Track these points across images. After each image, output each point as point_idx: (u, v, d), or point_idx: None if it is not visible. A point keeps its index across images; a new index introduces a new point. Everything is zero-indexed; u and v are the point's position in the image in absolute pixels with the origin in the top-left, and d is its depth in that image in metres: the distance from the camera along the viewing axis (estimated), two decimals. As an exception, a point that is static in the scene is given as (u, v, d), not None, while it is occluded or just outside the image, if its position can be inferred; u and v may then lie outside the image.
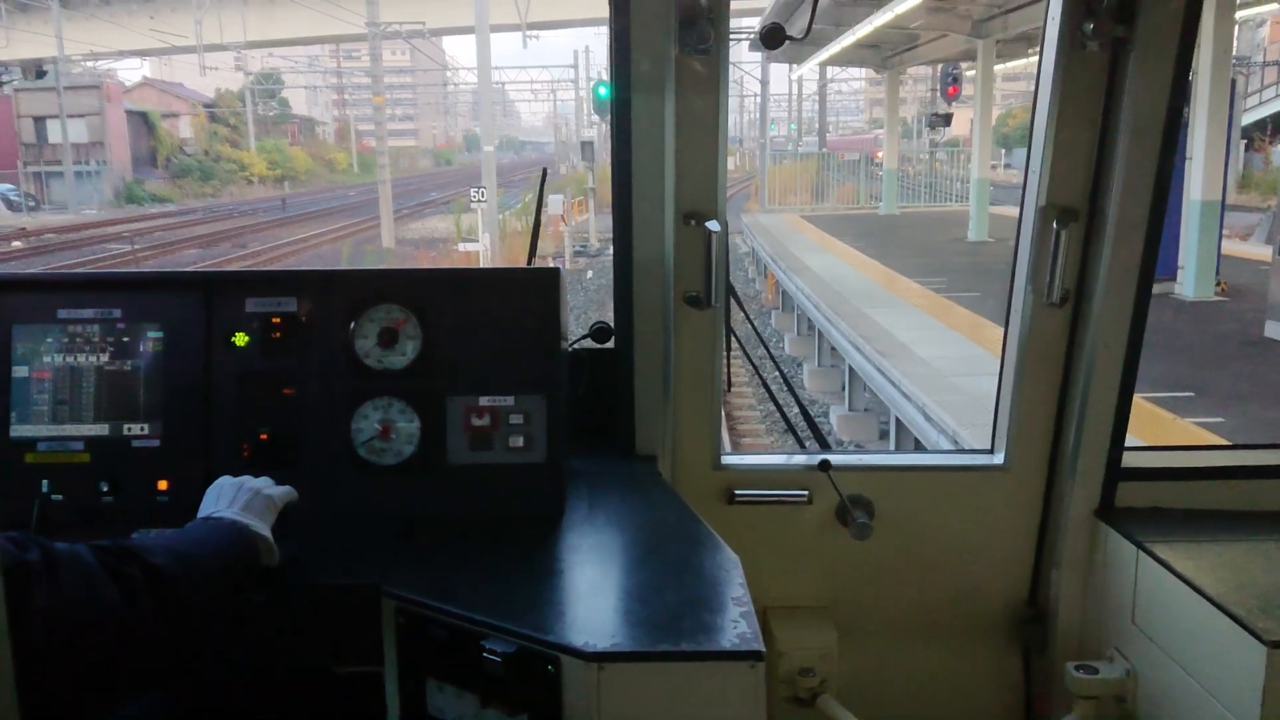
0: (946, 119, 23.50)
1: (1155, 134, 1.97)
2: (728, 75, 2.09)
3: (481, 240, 17.11)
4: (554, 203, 19.50)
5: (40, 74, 35.50)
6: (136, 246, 23.04)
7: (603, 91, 23.85)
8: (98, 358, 1.85)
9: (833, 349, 11.39)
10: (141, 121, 43.94)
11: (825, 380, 11.96)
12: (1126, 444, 2.19)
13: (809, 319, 12.83)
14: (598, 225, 23.46)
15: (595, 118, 24.94)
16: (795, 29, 2.88)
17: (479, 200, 17.15)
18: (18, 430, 1.83)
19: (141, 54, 37.57)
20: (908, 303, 12.06)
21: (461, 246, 18.35)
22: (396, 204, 26.39)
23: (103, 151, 38.92)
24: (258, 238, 26.42)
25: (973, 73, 20.73)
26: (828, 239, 19.21)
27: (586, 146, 22.79)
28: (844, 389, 10.98)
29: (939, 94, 22.50)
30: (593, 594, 1.63)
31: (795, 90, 51.36)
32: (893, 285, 13.54)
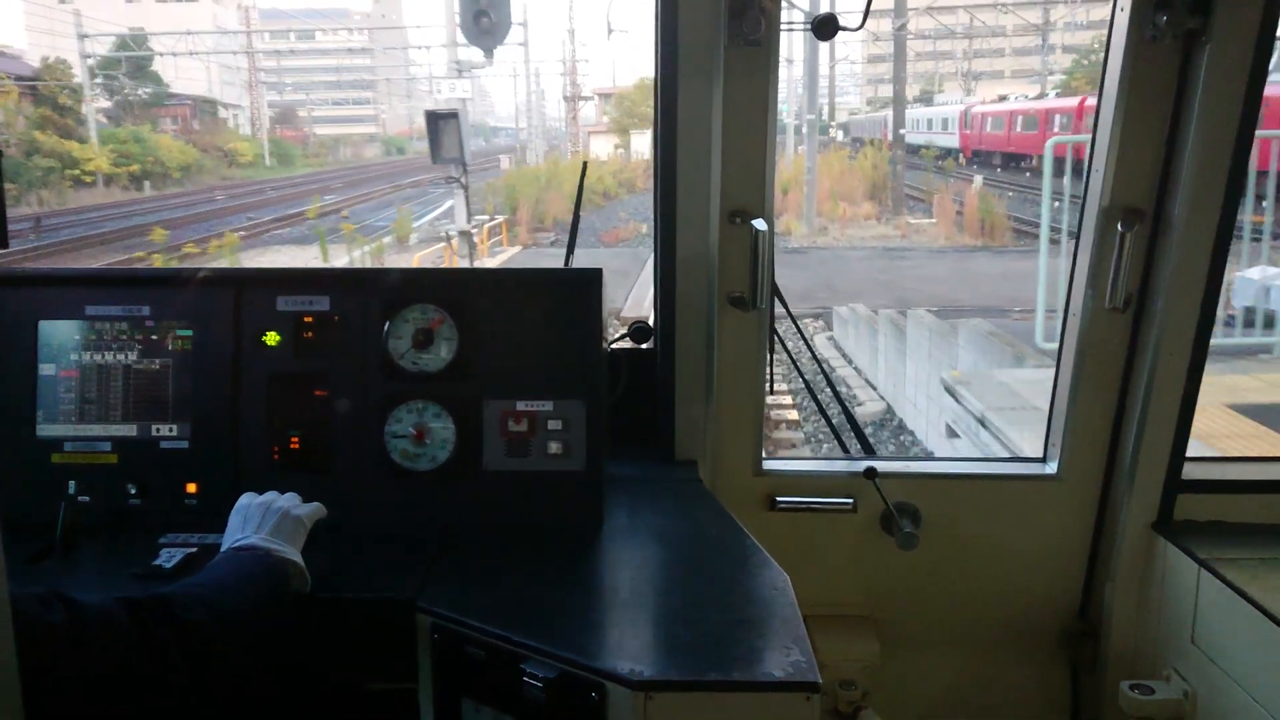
0: None
1: (1229, 132, 1.89)
2: (778, 64, 2.00)
3: None
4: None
5: None
6: None
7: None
8: (126, 356, 1.82)
9: None
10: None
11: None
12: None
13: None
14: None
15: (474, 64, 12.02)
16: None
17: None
18: (44, 429, 1.81)
19: None
20: None
21: None
22: (286, 208, 14.53)
23: None
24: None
25: None
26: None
27: (445, 122, 9.93)
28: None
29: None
30: (636, 615, 1.55)
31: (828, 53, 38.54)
32: None
